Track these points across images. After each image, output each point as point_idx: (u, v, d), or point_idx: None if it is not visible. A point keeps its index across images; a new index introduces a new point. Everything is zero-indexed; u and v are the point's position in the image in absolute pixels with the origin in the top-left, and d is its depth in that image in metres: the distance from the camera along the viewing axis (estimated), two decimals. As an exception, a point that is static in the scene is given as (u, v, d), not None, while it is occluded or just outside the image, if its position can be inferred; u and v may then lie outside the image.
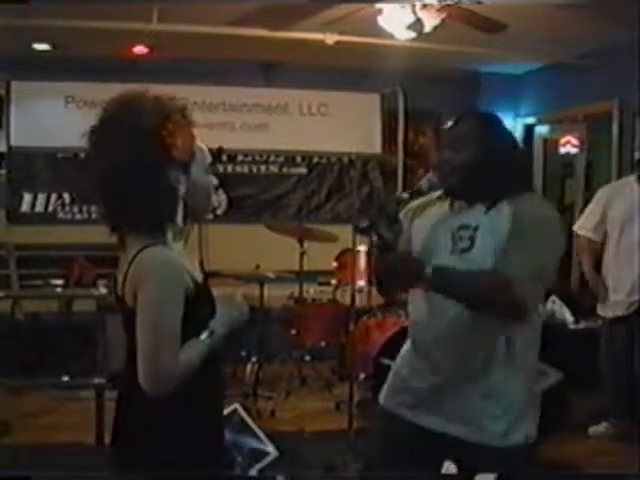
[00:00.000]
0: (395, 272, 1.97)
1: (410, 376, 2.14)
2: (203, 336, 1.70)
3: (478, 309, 1.95)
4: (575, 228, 4.40)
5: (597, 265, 4.30)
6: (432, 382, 2.07)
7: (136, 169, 1.63)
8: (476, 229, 1.99)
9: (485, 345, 2.00)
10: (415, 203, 2.18)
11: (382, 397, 2.24)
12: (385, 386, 2.26)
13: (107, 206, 1.72)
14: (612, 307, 4.18)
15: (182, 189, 1.73)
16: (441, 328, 2.03)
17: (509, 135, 2.14)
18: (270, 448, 3.40)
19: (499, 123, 2.12)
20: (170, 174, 1.69)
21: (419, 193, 2.10)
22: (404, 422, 2.12)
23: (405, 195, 2.07)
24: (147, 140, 1.64)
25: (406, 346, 2.22)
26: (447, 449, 2.09)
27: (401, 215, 2.07)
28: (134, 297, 1.64)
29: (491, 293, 1.91)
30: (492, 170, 2.00)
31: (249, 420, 3.50)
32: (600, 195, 4.32)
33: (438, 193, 2.15)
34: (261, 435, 3.44)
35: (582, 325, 5.07)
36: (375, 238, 2.03)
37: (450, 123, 2.08)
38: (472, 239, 1.99)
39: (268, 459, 3.37)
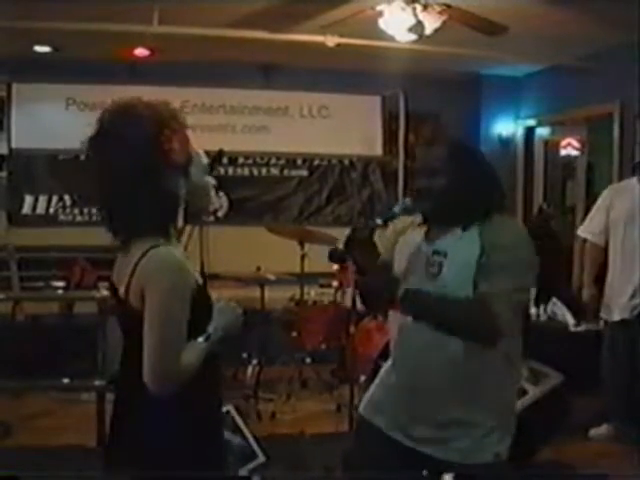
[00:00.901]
0: (369, 294, 2.07)
1: (387, 391, 2.19)
2: (200, 339, 1.71)
3: (453, 333, 1.98)
4: (579, 232, 4.39)
5: (600, 269, 4.29)
6: (405, 400, 2.10)
7: (137, 177, 1.66)
8: (445, 255, 2.02)
9: (456, 366, 2.01)
10: (399, 225, 2.22)
11: (361, 406, 2.29)
12: (366, 395, 2.30)
13: (110, 212, 1.74)
14: (615, 310, 4.17)
15: (183, 192, 1.76)
16: (417, 348, 2.07)
17: (481, 160, 2.16)
18: (259, 452, 3.43)
19: (471, 148, 2.19)
20: (170, 178, 1.72)
21: (393, 217, 2.14)
22: (378, 432, 2.15)
23: (378, 221, 2.11)
24: (146, 148, 1.67)
25: (389, 361, 2.26)
26: (417, 463, 2.10)
27: (376, 237, 2.12)
28: (141, 298, 1.65)
29: (465, 320, 1.97)
30: (464, 196, 2.03)
31: (240, 422, 3.51)
32: (602, 198, 4.30)
33: (419, 218, 2.18)
34: (250, 438, 3.46)
35: (583, 327, 5.06)
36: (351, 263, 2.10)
37: (424, 148, 2.16)
38: (440, 265, 2.02)
39: (256, 462, 3.40)
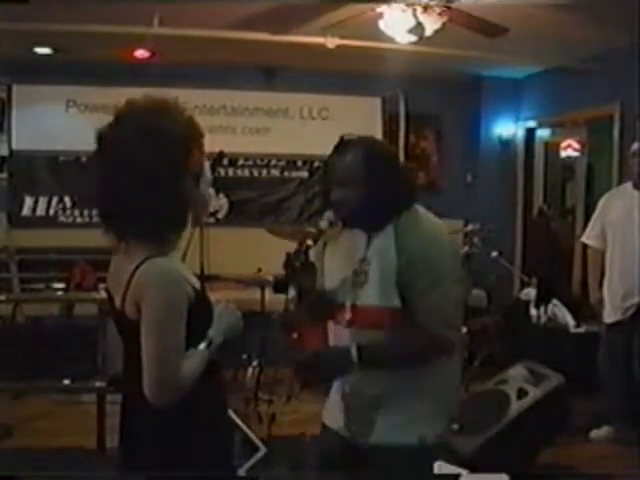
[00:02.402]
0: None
1: (335, 397, 2.27)
2: (202, 345, 1.69)
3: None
4: (583, 238, 4.49)
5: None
6: (346, 401, 2.17)
7: (158, 178, 1.62)
8: (369, 263, 2.03)
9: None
10: (322, 240, 2.21)
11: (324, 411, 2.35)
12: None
13: (111, 211, 1.68)
14: (610, 312, 4.20)
15: (193, 199, 1.74)
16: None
17: (391, 158, 2.16)
18: (260, 444, 3.47)
19: (380, 147, 2.17)
20: (186, 184, 1.69)
21: (320, 233, 2.16)
22: (333, 433, 2.21)
23: (309, 242, 2.13)
24: (178, 150, 1.65)
25: None
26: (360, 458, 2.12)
27: (312, 255, 2.15)
28: (137, 309, 1.63)
29: (421, 354, 2.00)
30: (375, 201, 2.01)
31: (239, 421, 3.55)
32: (600, 203, 4.40)
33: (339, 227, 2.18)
34: (249, 432, 3.48)
35: (583, 329, 5.07)
36: (291, 294, 2.09)
37: (333, 157, 2.09)
38: (366, 274, 2.03)
39: (258, 455, 3.43)
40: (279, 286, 2.07)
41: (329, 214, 2.15)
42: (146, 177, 1.62)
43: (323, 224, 2.14)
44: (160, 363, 1.60)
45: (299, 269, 2.10)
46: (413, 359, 2.01)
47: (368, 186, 2.01)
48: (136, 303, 1.62)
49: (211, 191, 1.88)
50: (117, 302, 1.70)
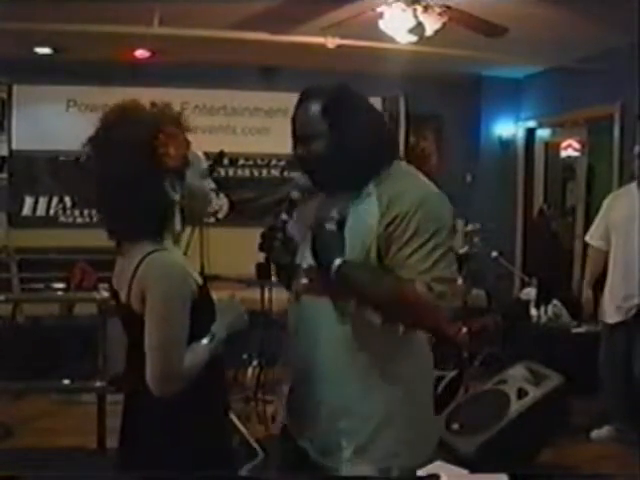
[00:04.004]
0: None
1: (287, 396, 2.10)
2: (205, 340, 1.71)
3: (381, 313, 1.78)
4: (586, 238, 4.49)
5: (601, 273, 4.33)
6: (300, 404, 1.98)
7: (131, 180, 1.67)
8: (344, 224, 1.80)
9: (345, 363, 1.84)
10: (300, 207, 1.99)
11: None
12: None
13: (106, 214, 1.76)
14: (612, 312, 4.20)
15: (177, 196, 1.75)
16: (306, 344, 1.92)
17: (359, 107, 1.89)
18: (258, 449, 3.46)
19: (344, 94, 1.89)
20: (165, 183, 1.72)
21: (292, 204, 1.96)
22: (292, 440, 2.01)
23: (284, 216, 1.92)
24: (140, 152, 1.68)
25: None
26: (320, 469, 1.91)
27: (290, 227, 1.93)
28: (142, 301, 1.66)
29: (400, 301, 1.74)
30: (347, 156, 1.79)
31: (238, 423, 3.55)
32: (605, 203, 4.40)
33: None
34: (249, 437, 3.47)
35: (584, 329, 5.06)
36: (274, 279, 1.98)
37: (296, 110, 1.87)
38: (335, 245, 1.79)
39: (255, 461, 3.42)
40: (262, 271, 1.89)
41: (298, 177, 1.96)
42: (117, 180, 1.68)
43: (294, 194, 1.95)
44: (163, 353, 1.63)
45: (278, 248, 1.88)
46: (390, 301, 1.74)
47: (331, 140, 1.80)
48: (141, 295, 1.66)
49: (207, 183, 1.85)
50: (123, 297, 1.73)
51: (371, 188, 1.80)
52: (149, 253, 1.67)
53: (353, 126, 1.81)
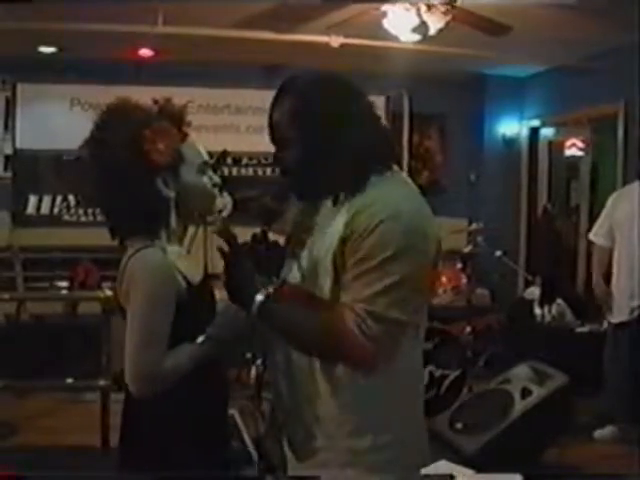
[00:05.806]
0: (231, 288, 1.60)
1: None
2: (199, 340, 1.67)
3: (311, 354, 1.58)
4: (590, 236, 4.48)
5: (606, 271, 4.32)
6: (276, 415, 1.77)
7: (121, 178, 1.67)
8: (313, 235, 1.64)
9: (311, 377, 1.60)
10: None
11: None
12: None
13: (103, 213, 1.78)
14: (616, 311, 4.19)
15: (171, 192, 1.72)
16: (281, 352, 1.68)
17: (342, 106, 1.63)
18: (255, 457, 3.45)
19: (326, 94, 1.62)
20: (155, 179, 1.70)
21: (271, 212, 1.89)
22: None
23: (264, 226, 1.85)
24: (128, 150, 1.66)
25: None
26: None
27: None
28: (128, 299, 1.66)
29: (325, 344, 1.54)
30: (324, 164, 1.58)
31: (242, 427, 3.54)
32: (609, 201, 4.39)
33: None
34: (249, 445, 3.47)
35: (588, 328, 5.06)
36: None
37: (271, 107, 1.65)
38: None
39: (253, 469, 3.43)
40: (259, 239, 1.71)
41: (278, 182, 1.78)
42: (107, 179, 1.69)
43: (271, 202, 1.86)
44: (138, 354, 1.61)
45: (264, 257, 1.71)
46: (318, 337, 1.54)
47: (302, 144, 1.58)
48: (127, 291, 1.66)
49: (205, 179, 1.80)
50: (117, 293, 1.74)
51: (344, 197, 1.58)
52: (137, 250, 1.67)
53: (326, 132, 1.56)
